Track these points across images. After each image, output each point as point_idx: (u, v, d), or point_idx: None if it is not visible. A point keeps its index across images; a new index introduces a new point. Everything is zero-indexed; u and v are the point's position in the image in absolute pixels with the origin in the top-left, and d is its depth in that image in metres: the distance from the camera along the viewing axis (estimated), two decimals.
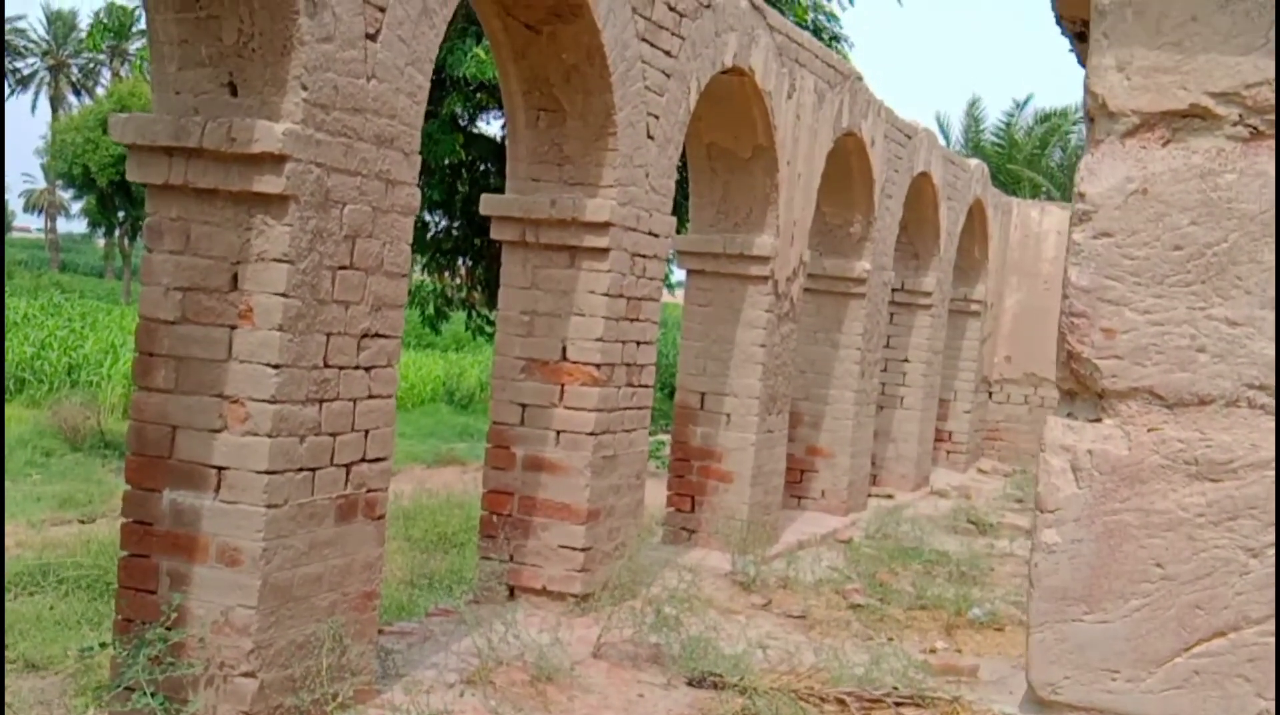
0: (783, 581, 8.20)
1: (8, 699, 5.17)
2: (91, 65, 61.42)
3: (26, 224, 78.19)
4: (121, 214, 38.36)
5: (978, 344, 15.31)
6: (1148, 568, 1.48)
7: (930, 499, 13.04)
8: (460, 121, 14.51)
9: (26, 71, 62.37)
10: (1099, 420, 1.49)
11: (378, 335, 5.15)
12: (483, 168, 15.38)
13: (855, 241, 10.96)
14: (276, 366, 4.63)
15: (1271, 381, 1.43)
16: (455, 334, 25.26)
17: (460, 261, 17.11)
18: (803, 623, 7.41)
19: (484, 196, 7.16)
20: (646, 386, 7.42)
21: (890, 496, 12.52)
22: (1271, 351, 1.42)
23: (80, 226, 55.14)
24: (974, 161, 14.70)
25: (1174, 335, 1.46)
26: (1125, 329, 1.47)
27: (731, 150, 8.80)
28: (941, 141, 13.92)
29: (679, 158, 7.65)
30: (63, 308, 23.79)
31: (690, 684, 5.94)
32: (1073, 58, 1.87)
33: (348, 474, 5.06)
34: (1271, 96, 1.40)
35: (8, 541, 7.70)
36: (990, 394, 16.58)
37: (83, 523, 9.01)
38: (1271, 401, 1.43)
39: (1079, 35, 1.79)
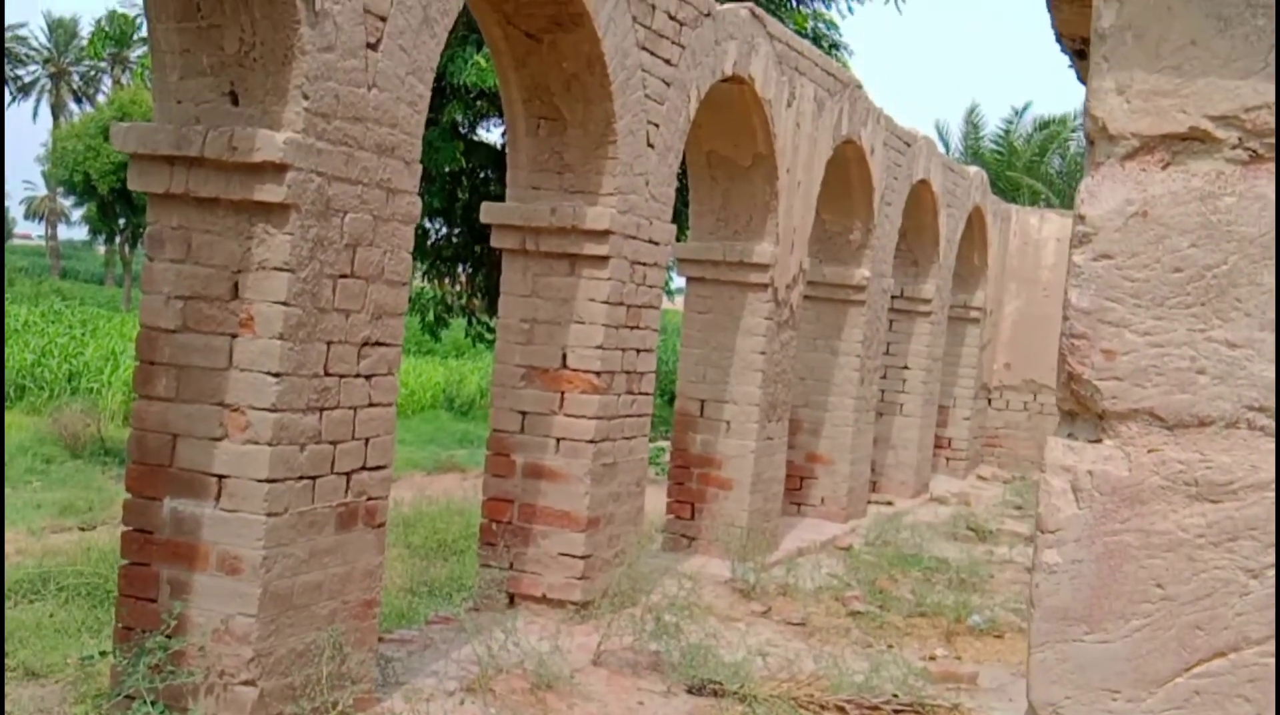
0: (782, 589, 8.21)
1: (8, 707, 5.17)
2: (93, 73, 61.49)
3: (27, 231, 78.25)
4: (122, 221, 38.38)
5: (977, 351, 15.32)
6: (1148, 588, 1.49)
7: (930, 506, 13.05)
8: (461, 129, 14.53)
9: (28, 79, 62.44)
10: (1099, 441, 1.50)
11: (378, 343, 5.16)
12: (483, 175, 15.40)
13: (855, 249, 10.98)
14: (277, 375, 4.64)
15: (1271, 403, 1.44)
16: (455, 341, 25.28)
17: (460, 268, 17.12)
18: (802, 630, 7.41)
19: (484, 204, 7.18)
20: (646, 394, 7.43)
21: (890, 503, 12.52)
22: (1271, 373, 1.43)
23: (81, 233, 55.21)
24: (973, 169, 14.72)
25: (1174, 357, 1.47)
26: (1125, 350, 1.48)
27: (731, 158, 8.81)
28: (941, 149, 13.94)
29: (679, 166, 7.66)
30: (63, 315, 23.80)
31: (690, 691, 5.94)
32: (1071, 69, 1.89)
33: (348, 482, 5.07)
34: (1271, 120, 1.42)
35: (8, 549, 7.70)
36: (990, 401, 16.59)
37: (83, 530, 9.01)
38: (1271, 423, 1.44)
39: (1078, 53, 1.80)
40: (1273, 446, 1.44)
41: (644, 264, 7.21)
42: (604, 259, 6.84)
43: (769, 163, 8.76)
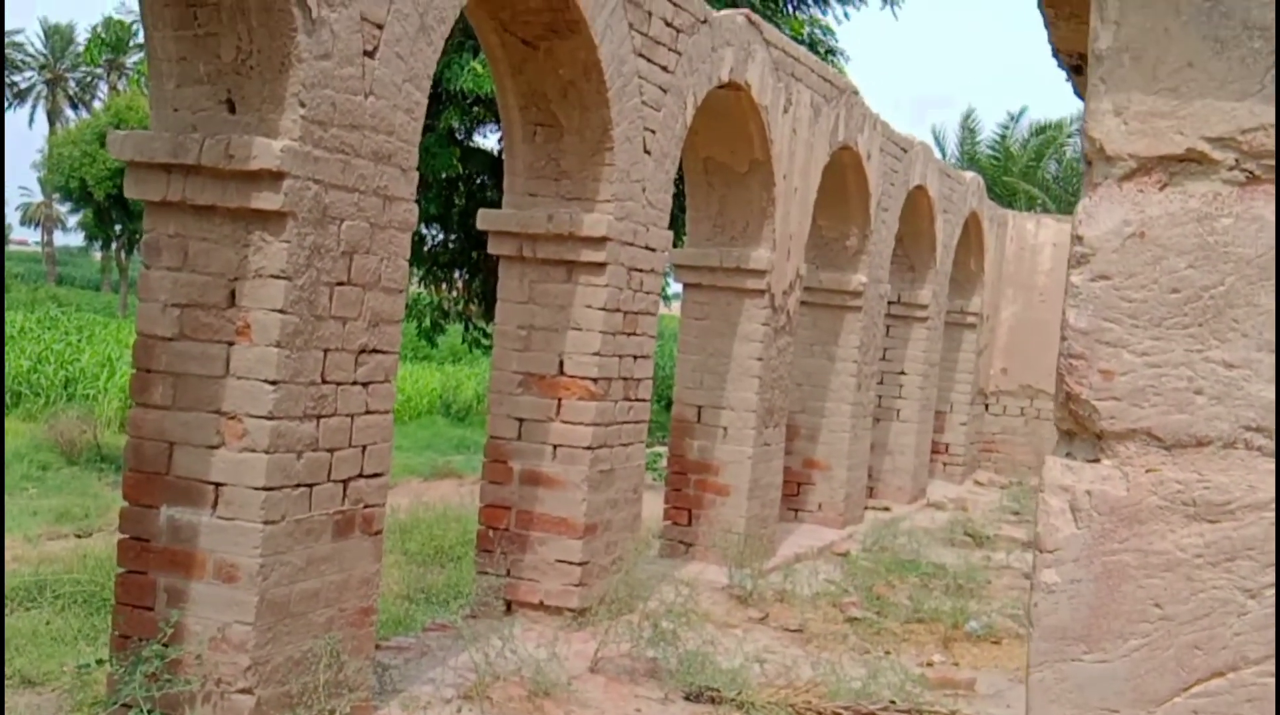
0: (780, 595, 8.21)
1: None
2: (89, 79, 61.51)
3: (24, 237, 78.21)
4: (118, 227, 38.34)
5: (974, 356, 15.33)
6: (1146, 608, 1.49)
7: (927, 511, 13.05)
8: (457, 135, 14.54)
9: (24, 85, 62.43)
10: (1097, 461, 1.50)
11: (375, 351, 5.16)
12: (479, 181, 15.41)
13: (851, 255, 10.99)
14: (274, 383, 4.64)
15: (1268, 423, 1.44)
16: (452, 346, 25.27)
17: (457, 274, 17.13)
18: (800, 636, 7.41)
19: (481, 211, 7.18)
20: (643, 400, 7.43)
21: (887, 509, 12.53)
22: (1268, 394, 1.44)
23: (77, 240, 55.14)
24: (969, 174, 14.74)
25: (1171, 377, 1.47)
26: (1123, 371, 1.48)
27: (728, 164, 8.82)
28: (937, 154, 13.96)
29: (676, 172, 7.67)
30: (59, 321, 23.78)
31: (687, 698, 5.94)
32: (1068, 83, 1.89)
33: (345, 490, 5.06)
34: (1267, 142, 1.42)
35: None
36: (986, 406, 16.60)
37: (79, 537, 9.00)
38: (1269, 443, 1.44)
39: (1075, 68, 1.80)
40: (1270, 466, 1.44)
41: (641, 271, 7.22)
42: (601, 266, 6.84)
43: (766, 169, 8.77)
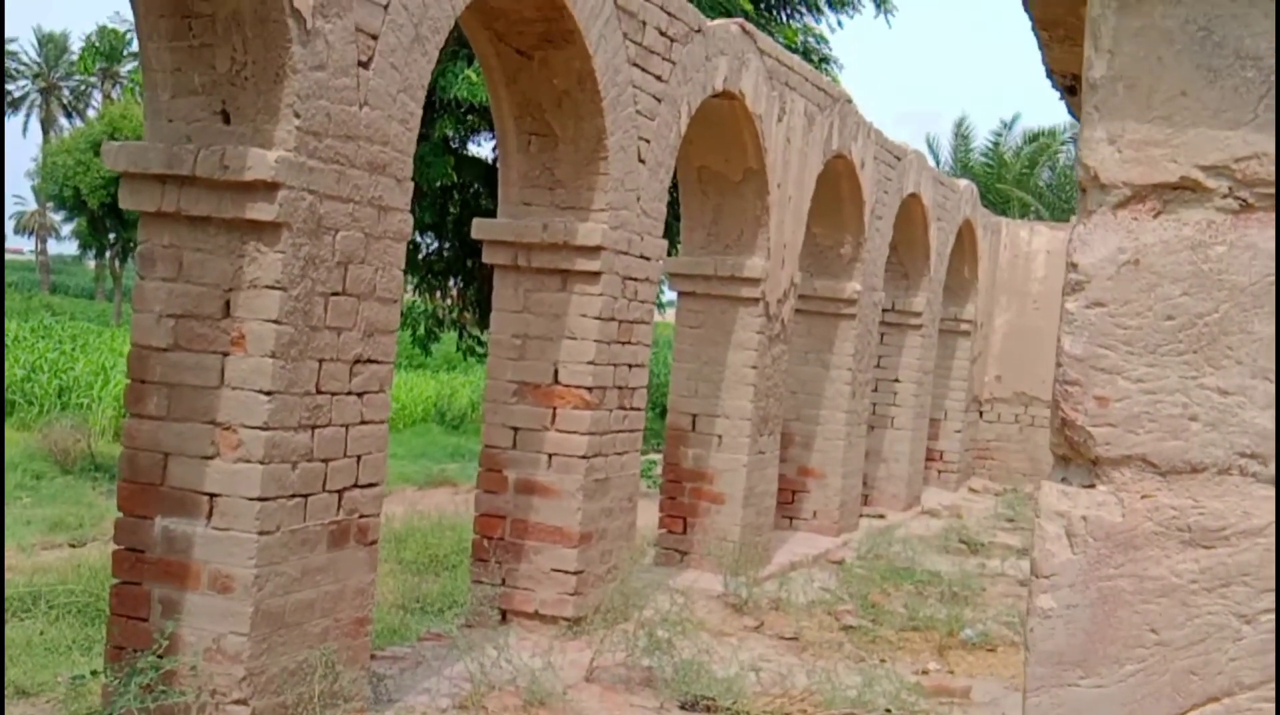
0: (775, 603, 8.21)
1: None
2: (83, 88, 61.47)
3: (18, 246, 78.08)
4: (112, 236, 38.33)
5: (968, 363, 15.35)
6: (1142, 633, 1.50)
7: (922, 519, 13.06)
8: (452, 144, 14.54)
9: (18, 94, 62.38)
10: (1093, 486, 1.51)
11: (370, 361, 5.16)
12: (474, 189, 15.41)
13: (846, 262, 11.00)
14: (269, 393, 4.64)
15: (1263, 450, 1.45)
16: (446, 354, 25.26)
17: (451, 282, 17.12)
18: (795, 645, 7.41)
19: (476, 221, 7.19)
20: (638, 409, 7.44)
21: (882, 516, 12.53)
22: (1262, 421, 1.45)
23: (71, 248, 55.11)
24: (963, 182, 14.77)
25: (1166, 404, 1.48)
26: (1118, 397, 1.49)
27: (722, 173, 8.83)
28: (931, 162, 13.99)
29: (670, 181, 7.68)
30: (53, 330, 23.76)
31: (683, 707, 5.94)
32: (1062, 102, 1.90)
33: (340, 500, 5.06)
34: (1260, 170, 1.43)
35: None
36: (981, 413, 16.62)
37: (73, 546, 8.98)
38: (1263, 469, 1.45)
39: (1069, 89, 1.82)
40: (1265, 492, 1.45)
41: (635, 279, 7.22)
42: (595, 275, 6.85)
43: (760, 177, 8.78)
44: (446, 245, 16.24)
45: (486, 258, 7.10)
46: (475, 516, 7.14)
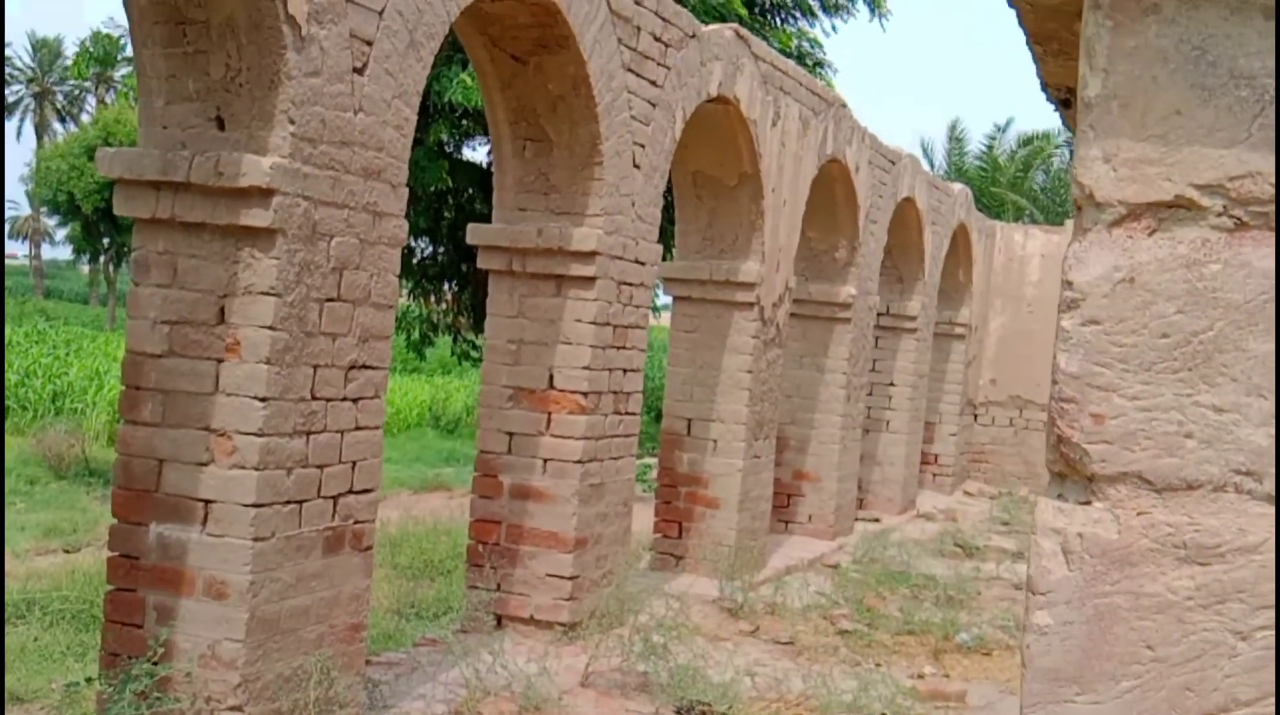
0: (770, 607, 8.21)
1: None
2: (77, 92, 61.39)
3: (11, 251, 77.95)
4: (106, 241, 38.28)
5: (962, 367, 15.36)
6: (1138, 650, 1.50)
7: (917, 522, 13.06)
8: (446, 149, 14.55)
9: (11, 98, 62.28)
10: (1089, 503, 1.51)
11: (365, 367, 5.16)
12: (468, 194, 15.42)
13: (840, 267, 11.01)
14: (264, 399, 4.64)
15: (1258, 467, 1.46)
16: (441, 358, 25.25)
17: (446, 287, 17.13)
18: (790, 649, 7.41)
19: (471, 226, 7.19)
20: (633, 414, 7.44)
21: (877, 520, 12.53)
22: (1257, 438, 1.45)
23: (65, 253, 55.07)
24: (957, 186, 14.79)
25: (1162, 421, 1.49)
26: (1114, 415, 1.50)
27: (717, 178, 8.84)
28: (925, 166, 14.01)
29: (665, 186, 7.69)
30: (47, 335, 23.73)
31: (679, 713, 5.94)
32: (1057, 114, 1.90)
33: (335, 506, 5.06)
34: (1254, 189, 1.44)
35: None
36: (975, 417, 16.63)
37: (67, 552, 8.96)
38: (1258, 487, 1.46)
39: (1063, 102, 1.82)
40: (1260, 510, 1.45)
41: (630, 284, 7.23)
42: (590, 280, 6.85)
43: (754, 182, 8.79)
44: (441, 250, 16.26)
45: (481, 263, 7.10)
46: (470, 521, 7.13)
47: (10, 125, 61.91)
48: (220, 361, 4.69)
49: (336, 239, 4.92)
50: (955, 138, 28.95)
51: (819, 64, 16.41)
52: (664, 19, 7.24)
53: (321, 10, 4.68)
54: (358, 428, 5.15)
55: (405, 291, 16.85)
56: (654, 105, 7.26)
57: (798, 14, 16.54)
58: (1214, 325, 1.46)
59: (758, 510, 9.37)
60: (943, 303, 14.78)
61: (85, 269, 54.51)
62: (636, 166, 7.16)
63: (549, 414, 6.91)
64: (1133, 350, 1.48)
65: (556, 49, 6.50)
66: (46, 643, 6.44)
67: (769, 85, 8.77)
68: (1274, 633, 1.46)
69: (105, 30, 23.81)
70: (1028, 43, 1.75)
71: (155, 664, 4.62)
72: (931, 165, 27.98)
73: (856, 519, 12.01)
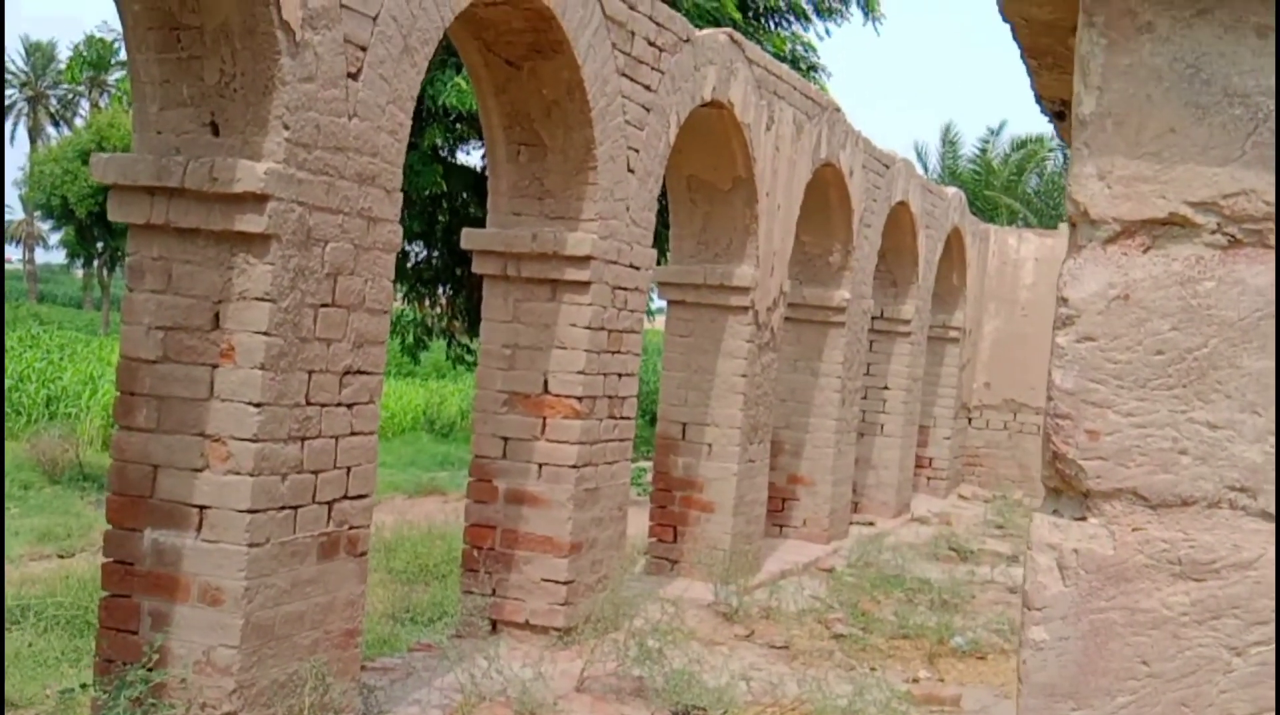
0: (765, 612, 8.21)
1: None
2: (70, 96, 61.32)
3: (5, 255, 77.87)
4: (100, 245, 38.24)
5: (957, 371, 15.38)
6: (1134, 665, 1.51)
7: (911, 526, 13.07)
8: (440, 153, 14.54)
9: (5, 102, 62.19)
10: (1084, 519, 1.52)
11: (360, 372, 5.16)
12: (462, 198, 15.41)
13: (834, 270, 11.02)
14: (258, 405, 4.64)
15: (1252, 484, 1.47)
16: (435, 362, 25.23)
17: (440, 291, 17.11)
18: (786, 653, 7.42)
19: (465, 231, 7.19)
20: (628, 418, 7.44)
21: (872, 524, 12.54)
22: (1251, 455, 1.46)
23: (58, 257, 55.00)
24: (951, 190, 14.81)
25: (1156, 437, 1.49)
26: (1109, 431, 1.50)
27: (711, 182, 8.85)
28: (919, 169, 14.03)
29: (659, 190, 7.69)
30: (41, 339, 23.69)
31: None
32: (1051, 126, 1.91)
33: (330, 511, 5.06)
34: (1248, 206, 1.45)
35: None
36: (970, 420, 16.65)
37: (61, 557, 8.95)
38: (1252, 503, 1.46)
39: (1058, 114, 1.83)
40: (1255, 526, 1.46)
41: (625, 289, 7.23)
42: (585, 284, 6.85)
43: (749, 186, 8.80)
44: (435, 254, 16.24)
45: (476, 268, 7.10)
46: (465, 526, 7.13)
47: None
48: (215, 367, 4.68)
49: (331, 244, 4.92)
50: (949, 141, 28.99)
51: (813, 68, 16.42)
52: (658, 24, 7.25)
53: (316, 16, 4.69)
54: (352, 433, 5.15)
55: (399, 295, 16.84)
56: (648, 110, 7.27)
57: (791, 18, 16.55)
58: (1208, 342, 1.47)
59: (752, 514, 9.38)
60: (937, 306, 14.80)
61: (79, 273, 54.44)
62: (631, 171, 7.17)
63: (544, 419, 6.91)
64: (1127, 367, 1.48)
65: (551, 54, 6.51)
66: (41, 648, 6.43)
67: (763, 89, 8.78)
68: (1269, 649, 1.46)
69: (99, 34, 23.77)
70: (1022, 56, 1.75)
71: (150, 670, 4.62)
72: (925, 169, 28.02)
73: (851, 523, 12.01)
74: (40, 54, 61.83)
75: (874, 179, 11.41)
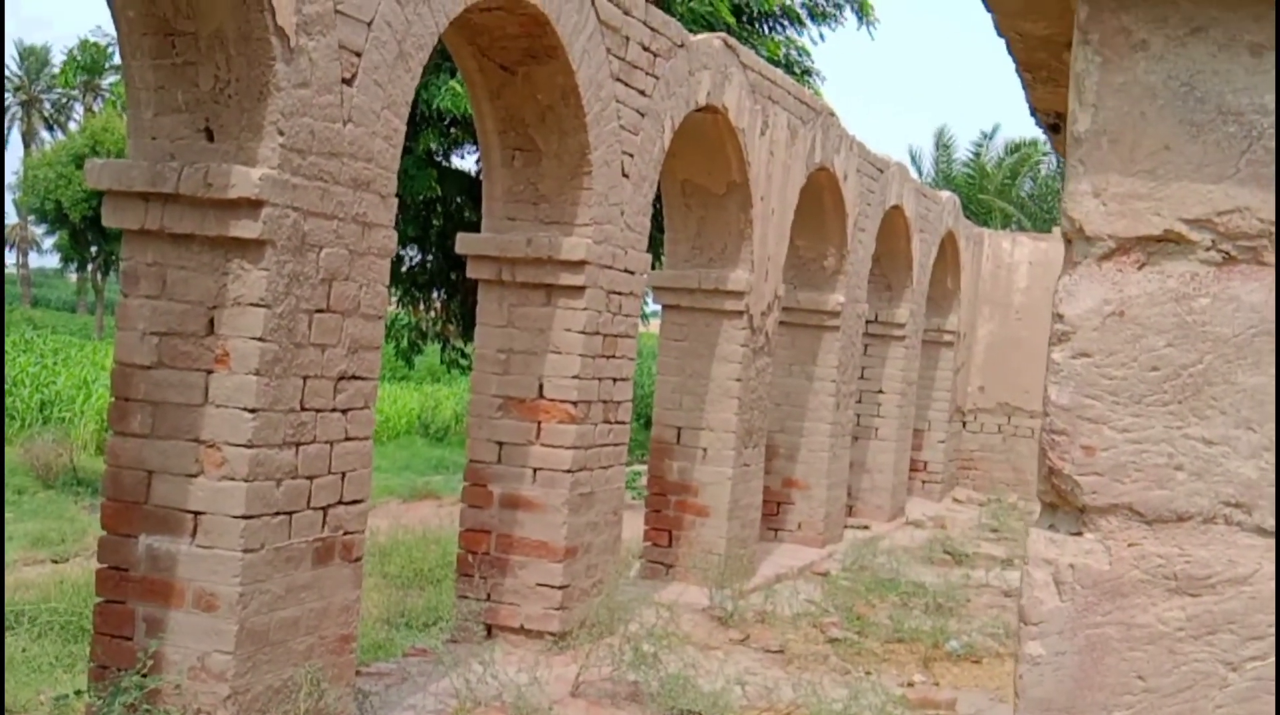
0: (760, 616, 8.21)
1: None
2: (64, 101, 61.22)
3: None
4: (94, 249, 38.20)
5: (951, 374, 15.40)
6: (1130, 680, 1.51)
7: (906, 530, 13.08)
8: (435, 157, 14.54)
9: (4, 103, 62.07)
10: (1080, 534, 1.52)
11: (354, 377, 5.16)
12: (457, 202, 15.41)
13: (829, 275, 11.04)
14: (253, 411, 4.64)
15: (1247, 499, 1.47)
16: (430, 366, 25.22)
17: (435, 295, 17.11)
18: (781, 657, 7.42)
19: (460, 235, 7.19)
20: (623, 423, 7.44)
21: (866, 528, 12.55)
22: (1246, 470, 1.47)
23: (52, 262, 54.88)
24: (945, 194, 14.83)
25: (1152, 453, 1.50)
26: (1105, 446, 1.51)
27: (706, 187, 8.86)
28: (914, 173, 14.05)
29: (654, 195, 7.70)
30: (34, 343, 23.66)
31: None
32: (1046, 138, 1.92)
33: (325, 517, 5.06)
34: (1242, 223, 1.46)
35: None
36: (964, 423, 16.67)
37: (55, 563, 8.93)
38: (1247, 518, 1.47)
39: (1053, 127, 1.84)
40: (1250, 541, 1.47)
41: (620, 293, 7.24)
42: (580, 289, 6.86)
43: (743, 191, 8.81)
44: (430, 258, 16.24)
45: (471, 273, 7.10)
46: (460, 531, 7.13)
47: None
48: (210, 373, 4.68)
49: (326, 250, 4.92)
50: (942, 144, 29.05)
51: (807, 72, 16.44)
52: (652, 29, 7.26)
53: (310, 22, 4.69)
54: (347, 438, 5.15)
55: (394, 299, 16.83)
56: (643, 115, 7.28)
57: (785, 22, 16.57)
58: (1203, 358, 1.48)
59: (747, 518, 9.38)
60: (931, 310, 14.82)
61: (73, 277, 54.37)
62: (625, 176, 7.17)
63: (539, 423, 6.91)
64: (1123, 383, 1.49)
65: (545, 59, 6.52)
66: (35, 654, 6.42)
67: (757, 94, 8.79)
68: (1264, 664, 1.47)
69: (92, 39, 23.75)
70: (1017, 70, 1.76)
71: (144, 676, 4.61)
72: (919, 173, 28.06)
73: (846, 526, 12.02)
74: (34, 58, 61.75)
75: (868, 183, 11.43)
